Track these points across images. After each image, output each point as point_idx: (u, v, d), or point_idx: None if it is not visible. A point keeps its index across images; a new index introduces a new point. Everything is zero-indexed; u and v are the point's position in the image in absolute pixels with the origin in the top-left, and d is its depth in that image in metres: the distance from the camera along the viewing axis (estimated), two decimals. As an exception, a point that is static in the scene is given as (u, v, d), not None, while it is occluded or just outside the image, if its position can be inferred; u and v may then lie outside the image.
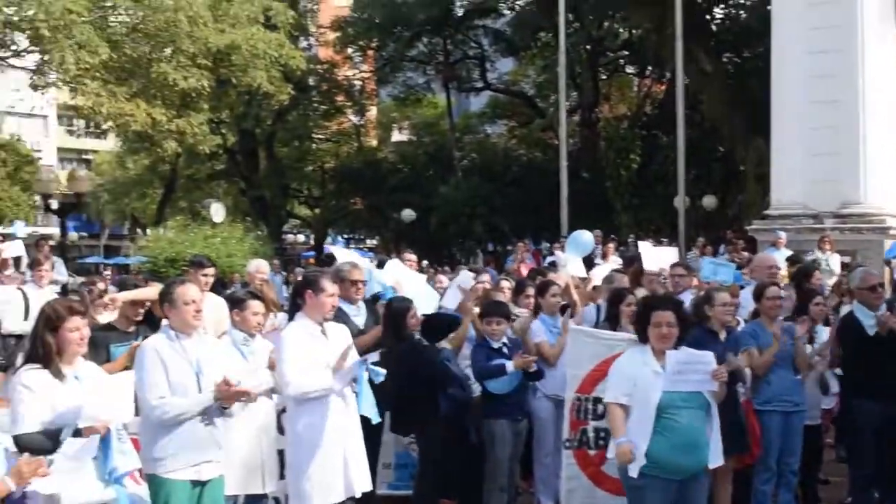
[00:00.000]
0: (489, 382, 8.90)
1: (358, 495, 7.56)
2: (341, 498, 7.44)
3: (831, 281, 14.53)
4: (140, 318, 8.21)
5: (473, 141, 48.41)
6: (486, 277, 11.46)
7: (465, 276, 10.62)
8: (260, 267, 12.14)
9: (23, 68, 26.29)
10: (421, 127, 51.25)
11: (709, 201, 34.20)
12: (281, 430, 8.06)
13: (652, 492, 6.97)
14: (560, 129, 29.53)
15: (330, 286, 7.58)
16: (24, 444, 5.83)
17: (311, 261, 38.50)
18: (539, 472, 9.71)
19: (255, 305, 8.02)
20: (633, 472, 6.94)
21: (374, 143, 52.93)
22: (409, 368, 8.64)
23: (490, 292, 10.79)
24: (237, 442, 7.84)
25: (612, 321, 9.49)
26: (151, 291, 8.81)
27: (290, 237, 53.49)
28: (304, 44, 39.57)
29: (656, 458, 6.91)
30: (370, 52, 45.50)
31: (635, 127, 37.81)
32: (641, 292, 10.65)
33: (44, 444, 5.79)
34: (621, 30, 41.34)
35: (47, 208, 26.78)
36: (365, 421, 7.71)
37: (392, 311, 9.18)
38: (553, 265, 14.35)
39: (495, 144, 48.22)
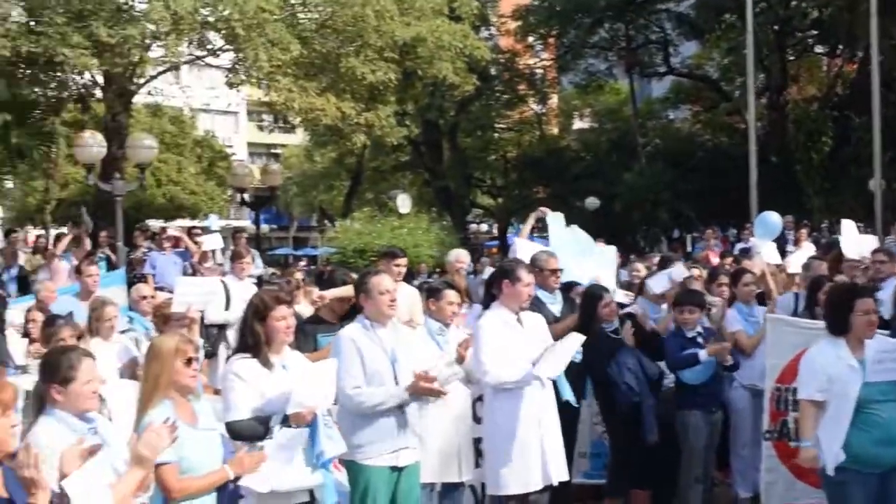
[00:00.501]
0: (683, 372, 8.76)
1: (555, 484, 7.58)
2: (538, 487, 7.48)
3: None
4: (345, 312, 8.42)
5: (657, 127, 47.76)
6: (696, 272, 11.18)
7: (680, 270, 10.50)
8: (459, 256, 12.19)
9: (217, 67, 27.23)
10: (603, 114, 50.84)
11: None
12: (476, 418, 8.14)
13: (853, 487, 6.71)
14: (748, 112, 28.84)
15: (526, 275, 7.61)
16: (236, 431, 6.04)
17: (494, 250, 38.69)
18: (736, 463, 9.51)
19: (451, 295, 8.10)
20: (830, 469, 6.70)
21: (556, 131, 52.75)
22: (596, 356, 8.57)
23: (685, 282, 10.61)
24: (433, 430, 7.95)
25: (812, 310, 9.22)
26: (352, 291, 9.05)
27: (473, 227, 53.83)
28: (485, 33, 39.67)
29: (857, 454, 6.64)
30: (551, 40, 45.29)
31: (826, 108, 36.62)
32: (841, 280, 10.31)
33: (255, 430, 5.99)
34: (810, 9, 40.03)
35: (242, 202, 27.65)
36: (561, 409, 7.73)
37: (585, 298, 9.13)
38: (744, 252, 14.04)
39: (679, 130, 47.44)
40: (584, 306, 9.00)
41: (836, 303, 7.14)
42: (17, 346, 9.64)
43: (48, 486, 3.99)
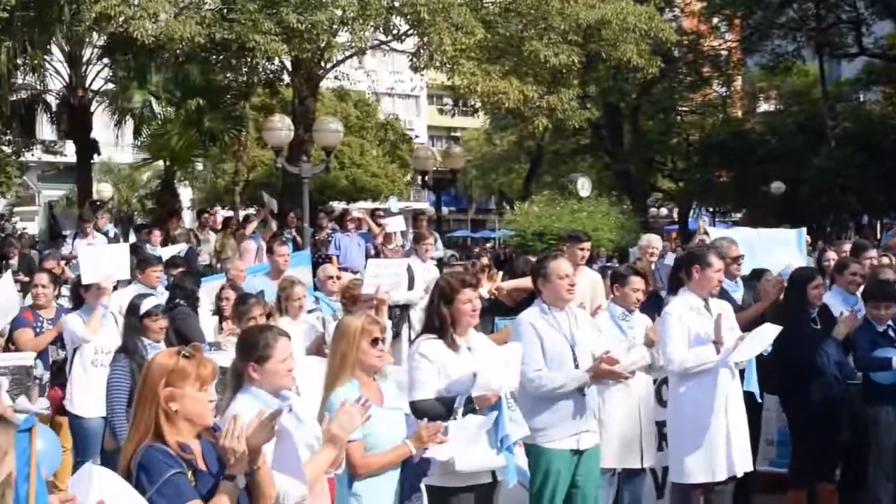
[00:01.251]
0: (875, 374, 8.41)
1: (739, 475, 7.44)
2: (723, 477, 7.36)
3: None
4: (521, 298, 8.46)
5: (846, 109, 46.13)
6: (886, 260, 10.76)
7: None
8: (652, 242, 12.02)
9: (401, 51, 27.56)
10: (789, 96, 49.42)
11: None
12: (662, 401, 8.05)
13: None
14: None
15: (717, 261, 7.49)
16: (420, 411, 6.11)
17: (675, 235, 38.15)
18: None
19: (637, 282, 8.00)
20: None
21: (740, 113, 51.56)
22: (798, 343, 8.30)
23: (877, 270, 10.19)
24: (616, 415, 7.90)
25: None
26: (524, 283, 9.06)
27: (653, 211, 53.17)
28: (669, 15, 39.02)
29: None
30: (736, 21, 44.28)
31: None
32: None
33: (439, 410, 6.05)
34: None
35: (424, 184, 27.95)
36: (747, 395, 7.58)
37: (794, 279, 8.84)
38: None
39: (870, 112, 45.71)
40: (793, 288, 8.70)
41: None
42: (208, 324, 9.98)
43: (246, 458, 4.10)
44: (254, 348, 4.97)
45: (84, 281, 9.16)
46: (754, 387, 7.53)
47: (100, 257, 9.25)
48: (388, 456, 5.56)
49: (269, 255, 11.80)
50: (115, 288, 9.33)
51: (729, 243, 9.40)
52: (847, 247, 13.01)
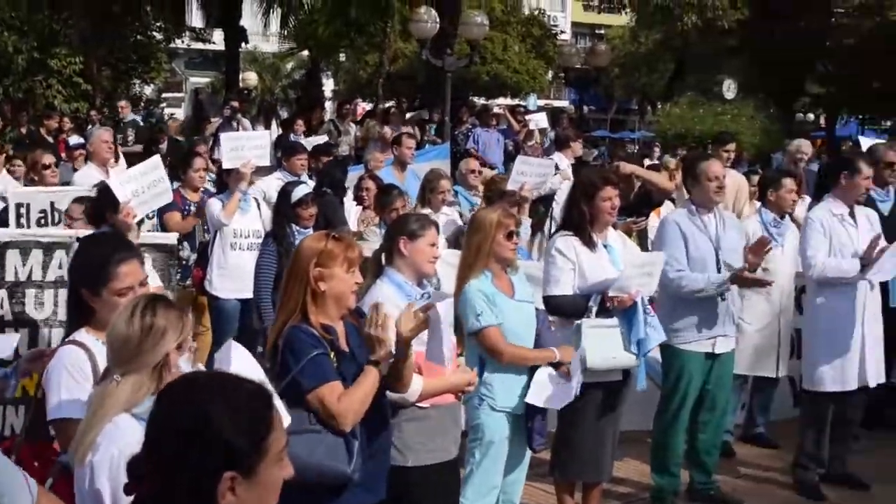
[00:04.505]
0: None
1: (872, 385, 7.36)
2: (854, 387, 7.27)
3: None
4: (633, 196, 8.44)
5: None
6: None
7: None
8: (801, 147, 11.74)
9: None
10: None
11: None
12: (800, 310, 7.98)
13: None
14: None
15: (867, 168, 7.31)
16: (554, 306, 6.19)
17: (820, 141, 37.06)
18: None
19: (790, 183, 8.01)
20: None
21: (899, 16, 49.40)
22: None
23: None
24: (754, 322, 7.88)
25: None
26: (662, 180, 8.98)
27: (799, 116, 51.64)
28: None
29: None
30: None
31: None
32: None
33: (575, 307, 6.11)
34: None
35: (566, 82, 27.67)
36: (885, 307, 7.45)
37: None
38: None
39: None
40: None
41: None
42: (352, 213, 10.17)
43: (391, 346, 4.22)
44: (406, 224, 5.13)
45: (224, 166, 9.39)
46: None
47: (240, 143, 9.43)
48: (533, 353, 5.66)
49: (396, 146, 11.91)
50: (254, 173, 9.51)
51: (887, 148, 9.14)
52: None
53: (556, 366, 5.69)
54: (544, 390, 5.60)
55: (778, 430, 8.46)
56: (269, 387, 2.54)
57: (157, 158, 7.93)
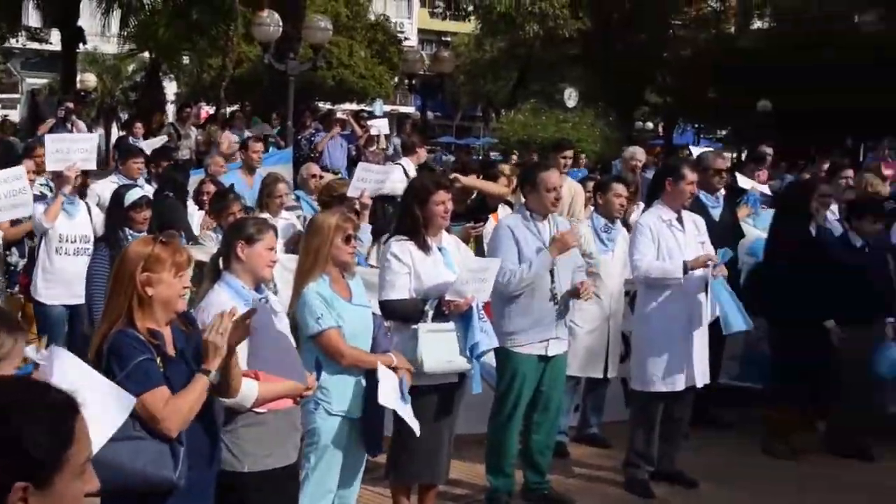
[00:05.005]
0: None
1: (699, 385, 7.60)
2: (682, 387, 7.49)
3: None
4: (468, 202, 8.54)
5: (841, 29, 45.71)
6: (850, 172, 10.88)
7: None
8: (635, 154, 12.04)
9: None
10: (784, 14, 48.97)
11: None
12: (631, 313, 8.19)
13: None
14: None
15: (690, 174, 7.53)
16: (390, 310, 6.22)
17: (658, 149, 38.08)
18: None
19: (619, 188, 8.13)
20: None
21: (733, 30, 51.14)
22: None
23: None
24: (585, 326, 8.06)
25: None
26: (494, 187, 9.10)
27: (638, 124, 52.92)
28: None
29: None
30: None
31: None
32: None
33: (409, 311, 6.16)
34: None
35: (411, 88, 27.80)
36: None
37: (788, 192, 8.94)
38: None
39: (864, 33, 45.26)
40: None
41: None
42: (195, 217, 10.01)
43: (224, 354, 4.19)
44: (244, 228, 5.09)
45: (48, 168, 9.14)
46: (737, 325, 7.62)
47: (65, 146, 9.17)
48: (372, 357, 5.67)
49: (243, 150, 11.88)
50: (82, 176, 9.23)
51: (715, 155, 9.48)
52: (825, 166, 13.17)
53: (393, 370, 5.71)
54: (393, 392, 5.62)
55: (611, 431, 8.65)
56: (87, 396, 2.48)
57: (20, 169, 7.68)
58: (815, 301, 8.14)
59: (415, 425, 5.70)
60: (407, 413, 5.66)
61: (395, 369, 5.69)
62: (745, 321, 7.58)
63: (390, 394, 5.57)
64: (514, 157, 20.16)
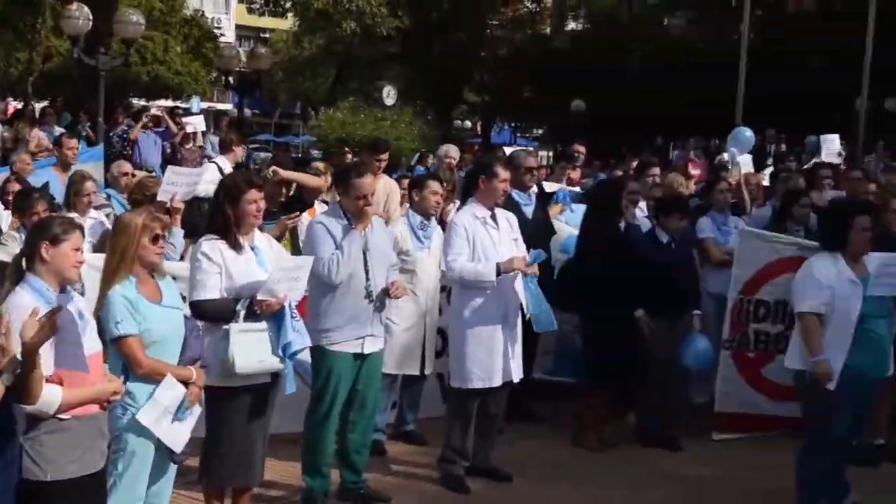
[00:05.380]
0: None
1: (515, 381, 7.71)
2: (499, 383, 7.59)
3: None
4: (283, 199, 8.48)
5: (651, 32, 47.21)
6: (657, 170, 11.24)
7: None
8: (449, 152, 12.12)
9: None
10: (598, 16, 50.28)
11: (892, 104, 32.89)
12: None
13: (844, 404, 6.85)
14: (743, 22, 28.45)
15: (503, 172, 7.62)
16: (201, 310, 6.10)
17: (476, 147, 38.57)
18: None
19: (434, 185, 8.17)
20: (832, 386, 6.76)
21: (549, 31, 52.22)
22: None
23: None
24: (401, 323, 8.08)
25: (783, 222, 9.29)
26: (312, 180, 9.05)
27: (457, 123, 53.50)
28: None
29: (855, 371, 6.77)
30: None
31: (820, 22, 36.24)
32: (817, 195, 10.39)
33: (221, 311, 6.05)
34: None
35: (227, 84, 27.40)
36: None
37: (599, 190, 9.11)
38: (722, 162, 14.09)
39: (673, 36, 46.89)
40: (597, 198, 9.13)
41: (834, 218, 7.24)
42: (3, 217, 9.60)
43: (14, 353, 4.03)
44: (48, 229, 4.90)
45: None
46: (545, 325, 7.76)
47: None
48: (171, 368, 5.52)
49: (57, 147, 11.53)
50: None
51: (526, 154, 9.63)
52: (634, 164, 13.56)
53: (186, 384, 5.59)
54: (162, 410, 5.49)
55: (427, 427, 8.69)
56: None
57: None
58: (624, 297, 8.36)
59: (176, 447, 5.58)
60: (168, 436, 5.54)
61: (186, 384, 5.57)
62: (551, 322, 7.73)
63: (152, 413, 5.44)
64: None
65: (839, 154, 16.60)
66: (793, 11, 40.23)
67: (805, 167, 15.17)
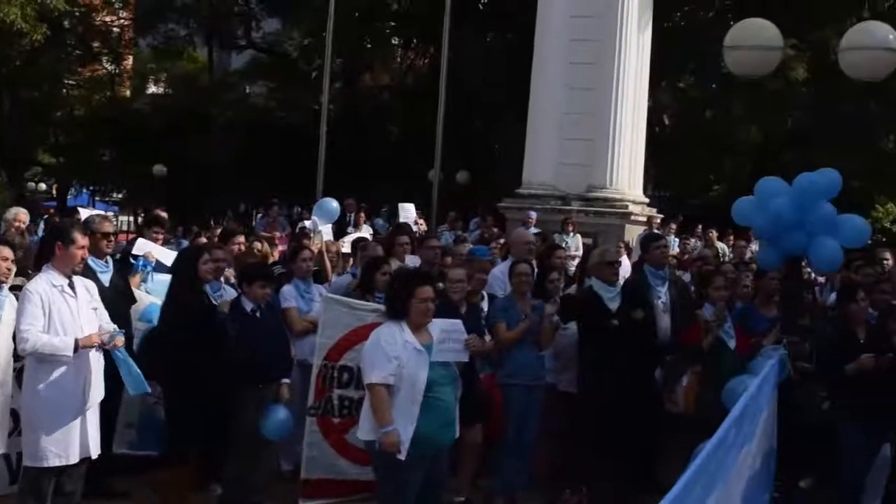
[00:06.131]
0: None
1: (94, 456, 7.39)
2: (76, 459, 7.25)
3: (574, 262, 15.06)
4: None
5: (232, 99, 47.44)
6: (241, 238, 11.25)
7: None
8: (18, 215, 11.53)
9: None
10: (179, 80, 49.91)
11: (462, 176, 35.01)
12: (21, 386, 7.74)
13: (414, 471, 7.00)
14: (323, 94, 29.17)
15: (81, 238, 7.34)
16: None
17: (52, 211, 37.02)
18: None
19: (4, 251, 7.66)
20: (402, 456, 6.87)
21: (128, 93, 51.19)
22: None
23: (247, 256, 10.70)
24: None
25: (367, 289, 9.50)
26: None
27: (31, 185, 51.14)
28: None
29: (424, 438, 6.92)
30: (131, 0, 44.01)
31: (396, 98, 37.94)
32: (396, 263, 10.72)
33: None
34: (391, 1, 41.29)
35: None
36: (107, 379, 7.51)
37: (182, 257, 8.96)
38: (303, 230, 14.33)
39: (255, 104, 47.42)
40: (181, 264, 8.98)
41: (396, 288, 7.40)
42: None
43: None
44: None
45: None
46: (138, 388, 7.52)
47: None
48: None
49: None
50: None
51: (101, 219, 9.30)
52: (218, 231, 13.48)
53: None
54: None
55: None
56: None
57: None
58: (211, 369, 8.22)
59: None
60: None
61: None
62: (143, 384, 7.51)
63: None
64: None
65: (415, 222, 17.37)
66: (371, 84, 41.88)
67: (382, 236, 15.73)
